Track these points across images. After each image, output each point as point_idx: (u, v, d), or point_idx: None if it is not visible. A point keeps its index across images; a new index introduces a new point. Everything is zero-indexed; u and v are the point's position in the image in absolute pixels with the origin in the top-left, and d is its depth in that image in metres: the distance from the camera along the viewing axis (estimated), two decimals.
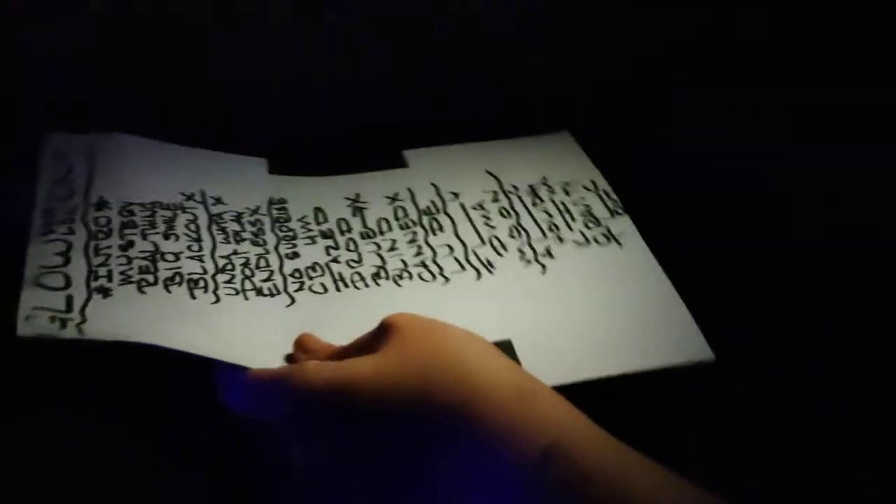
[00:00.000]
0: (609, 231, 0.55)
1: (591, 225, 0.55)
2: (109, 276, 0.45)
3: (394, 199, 0.56)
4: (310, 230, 0.53)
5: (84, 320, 0.42)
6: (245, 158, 0.58)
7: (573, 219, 0.56)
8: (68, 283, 0.44)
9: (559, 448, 0.34)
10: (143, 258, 0.47)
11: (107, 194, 0.50)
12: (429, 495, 0.35)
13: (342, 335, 0.44)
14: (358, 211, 0.55)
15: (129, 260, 0.46)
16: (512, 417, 0.35)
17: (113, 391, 0.49)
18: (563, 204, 0.57)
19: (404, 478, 0.36)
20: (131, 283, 0.45)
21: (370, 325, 0.42)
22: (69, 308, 0.42)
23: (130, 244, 0.47)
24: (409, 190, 0.57)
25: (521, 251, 0.53)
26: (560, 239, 0.54)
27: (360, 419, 0.36)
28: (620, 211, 0.56)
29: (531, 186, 0.58)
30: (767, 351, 0.51)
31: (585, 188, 0.58)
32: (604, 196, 0.58)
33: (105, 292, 0.44)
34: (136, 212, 0.50)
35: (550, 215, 0.56)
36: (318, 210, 0.55)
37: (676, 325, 0.49)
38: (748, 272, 0.56)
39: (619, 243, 0.54)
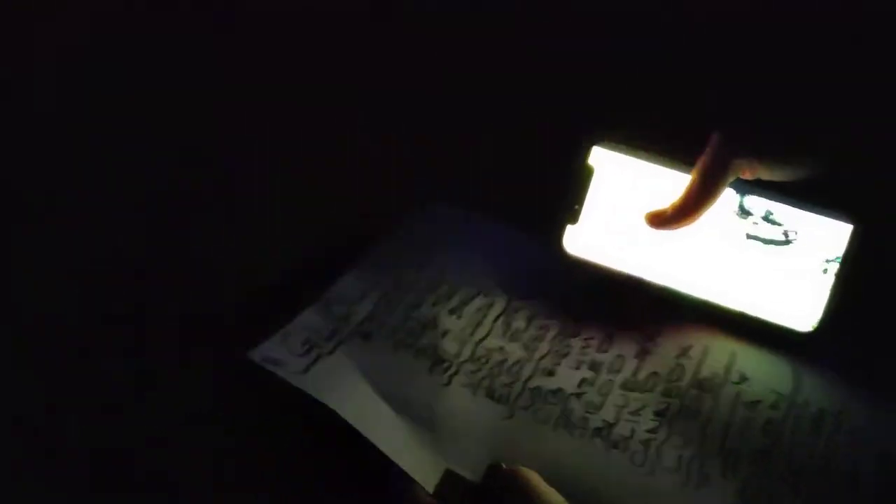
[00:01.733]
0: None
1: None
2: (381, 326, 0.54)
3: (683, 353, 0.52)
4: (585, 354, 0.52)
5: (331, 351, 0.51)
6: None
7: None
8: (348, 314, 0.54)
9: None
10: (417, 321, 0.54)
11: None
12: None
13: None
14: (643, 353, 0.52)
15: (406, 318, 0.54)
16: None
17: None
18: None
19: None
20: (392, 338, 0.53)
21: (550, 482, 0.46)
22: (330, 337, 0.52)
23: (418, 305, 0.55)
24: (706, 347, 0.52)
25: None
26: None
27: None
28: None
29: (816, 422, 0.48)
30: None
31: None
32: None
33: (366, 336, 0.53)
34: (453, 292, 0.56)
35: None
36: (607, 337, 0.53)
37: None
38: None
39: None
